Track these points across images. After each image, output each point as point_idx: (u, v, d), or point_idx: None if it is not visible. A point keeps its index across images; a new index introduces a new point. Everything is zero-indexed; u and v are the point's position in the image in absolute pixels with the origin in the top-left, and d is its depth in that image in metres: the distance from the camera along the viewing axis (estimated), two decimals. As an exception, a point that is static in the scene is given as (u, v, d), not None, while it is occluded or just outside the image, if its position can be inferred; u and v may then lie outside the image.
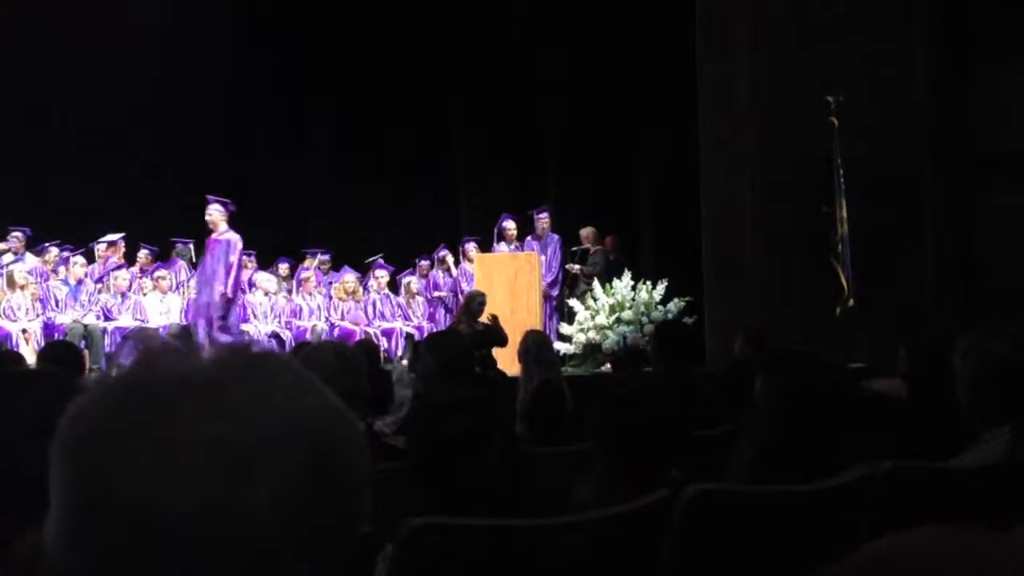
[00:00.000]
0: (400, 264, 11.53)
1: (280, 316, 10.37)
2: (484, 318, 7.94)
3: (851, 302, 7.07)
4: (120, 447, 0.62)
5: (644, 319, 9.25)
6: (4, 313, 9.04)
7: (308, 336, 9.92)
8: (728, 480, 2.25)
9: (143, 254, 10.53)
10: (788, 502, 2.08)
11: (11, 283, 9.11)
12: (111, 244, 10.44)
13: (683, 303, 9.26)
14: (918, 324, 6.71)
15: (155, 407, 0.64)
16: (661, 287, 9.41)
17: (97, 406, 0.66)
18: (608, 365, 8.91)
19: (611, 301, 9.41)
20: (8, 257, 9.40)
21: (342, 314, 10.70)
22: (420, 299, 11.18)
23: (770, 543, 2.05)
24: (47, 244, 9.99)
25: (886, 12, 7.35)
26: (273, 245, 11.36)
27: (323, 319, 10.56)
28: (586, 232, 10.76)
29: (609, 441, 2.23)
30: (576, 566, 1.84)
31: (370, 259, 11.36)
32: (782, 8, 7.62)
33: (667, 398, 2.29)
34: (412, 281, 11.20)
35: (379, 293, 10.92)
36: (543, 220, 10.78)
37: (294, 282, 10.98)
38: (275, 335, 10.10)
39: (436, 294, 11.18)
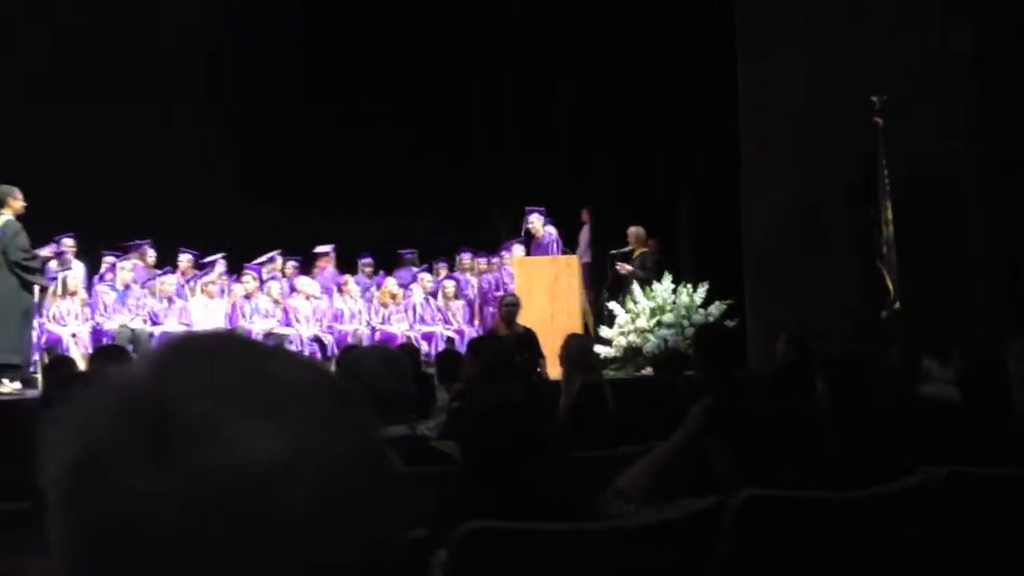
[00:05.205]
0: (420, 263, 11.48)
1: (322, 320, 10.45)
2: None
3: (897, 304, 6.97)
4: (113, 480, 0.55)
5: (685, 322, 9.19)
6: (54, 318, 9.22)
7: (350, 340, 9.98)
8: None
9: (184, 259, 10.62)
10: (843, 508, 2.05)
11: (65, 290, 9.32)
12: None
13: (724, 306, 9.19)
14: (966, 327, 6.60)
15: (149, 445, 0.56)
16: (702, 290, 9.34)
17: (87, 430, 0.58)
18: (649, 368, 8.87)
19: (652, 304, 9.35)
20: (54, 264, 9.56)
21: (383, 318, 10.74)
22: (459, 302, 11.15)
23: (824, 549, 2.03)
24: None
25: (933, 11, 7.24)
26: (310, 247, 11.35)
27: (364, 323, 10.61)
28: (634, 231, 10.21)
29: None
30: (628, 570, 1.84)
31: (403, 252, 11.41)
32: (826, 8, 7.54)
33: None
34: (449, 285, 11.16)
35: (420, 297, 10.94)
36: (533, 222, 10.25)
37: (334, 286, 11.03)
38: (317, 339, 10.19)
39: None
